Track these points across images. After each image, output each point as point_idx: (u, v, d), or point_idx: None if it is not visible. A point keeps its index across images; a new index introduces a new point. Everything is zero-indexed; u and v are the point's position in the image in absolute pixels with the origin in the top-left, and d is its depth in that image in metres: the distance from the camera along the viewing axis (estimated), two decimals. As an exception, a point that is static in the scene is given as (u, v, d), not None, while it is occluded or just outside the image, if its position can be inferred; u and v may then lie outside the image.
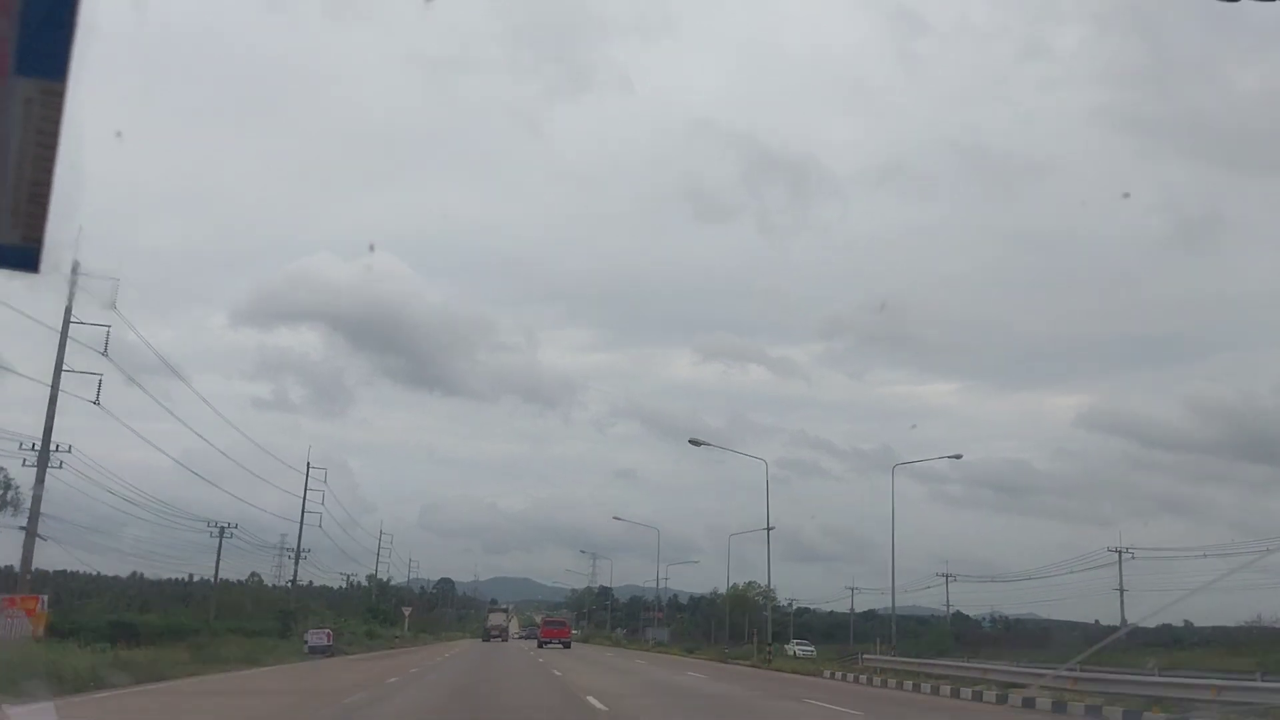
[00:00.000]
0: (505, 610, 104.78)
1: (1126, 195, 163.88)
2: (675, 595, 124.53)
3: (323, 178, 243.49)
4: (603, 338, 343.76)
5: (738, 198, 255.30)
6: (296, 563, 53.88)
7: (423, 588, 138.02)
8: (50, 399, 28.68)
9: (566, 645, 61.46)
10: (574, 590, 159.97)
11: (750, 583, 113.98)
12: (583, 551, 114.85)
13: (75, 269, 26.45)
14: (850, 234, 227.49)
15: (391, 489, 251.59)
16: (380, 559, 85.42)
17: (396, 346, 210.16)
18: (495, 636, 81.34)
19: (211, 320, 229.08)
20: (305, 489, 55.02)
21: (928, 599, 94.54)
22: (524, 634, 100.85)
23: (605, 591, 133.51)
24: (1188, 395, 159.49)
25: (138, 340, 65.81)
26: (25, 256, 1.96)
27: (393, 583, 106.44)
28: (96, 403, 29.38)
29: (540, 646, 59.09)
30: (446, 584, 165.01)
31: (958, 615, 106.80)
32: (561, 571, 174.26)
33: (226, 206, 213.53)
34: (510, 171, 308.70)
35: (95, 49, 1.99)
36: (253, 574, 63.69)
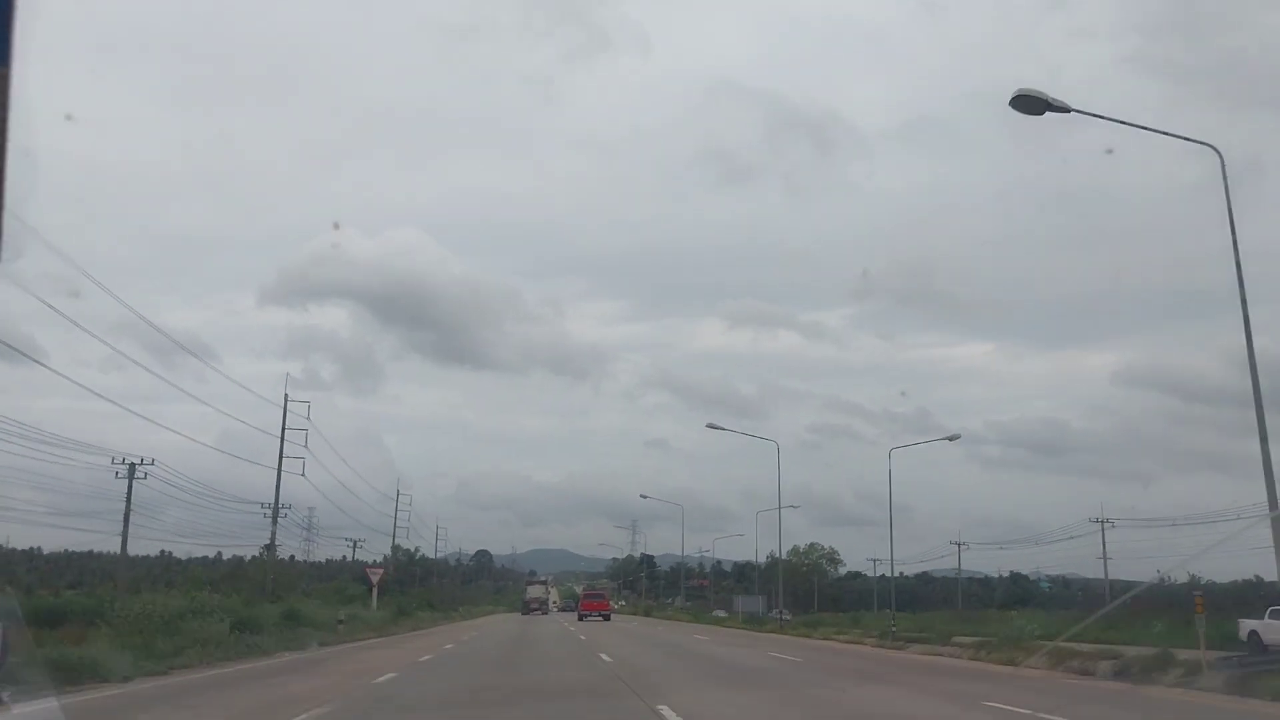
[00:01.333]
0: (544, 582, 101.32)
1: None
2: (719, 562, 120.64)
3: (342, 155, 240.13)
4: (630, 308, 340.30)
5: (762, 159, 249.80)
6: (275, 522, 44.58)
7: (459, 560, 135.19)
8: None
9: (606, 618, 61.64)
10: (614, 559, 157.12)
11: (812, 544, 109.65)
12: (644, 496, 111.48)
13: None
14: (878, 192, 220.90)
15: (427, 464, 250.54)
16: (401, 526, 77.04)
17: (425, 322, 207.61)
18: (534, 610, 78.78)
19: (240, 302, 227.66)
20: (283, 428, 43.91)
21: (939, 564, 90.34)
22: (564, 606, 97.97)
23: (648, 560, 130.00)
24: (1227, 348, 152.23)
25: (165, 323, 61.58)
26: None
27: (421, 554, 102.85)
28: None
29: (580, 620, 58.89)
30: (484, 556, 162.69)
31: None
32: (611, 531, 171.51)
33: (244, 187, 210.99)
34: (529, 140, 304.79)
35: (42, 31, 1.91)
36: (264, 547, 58.19)
